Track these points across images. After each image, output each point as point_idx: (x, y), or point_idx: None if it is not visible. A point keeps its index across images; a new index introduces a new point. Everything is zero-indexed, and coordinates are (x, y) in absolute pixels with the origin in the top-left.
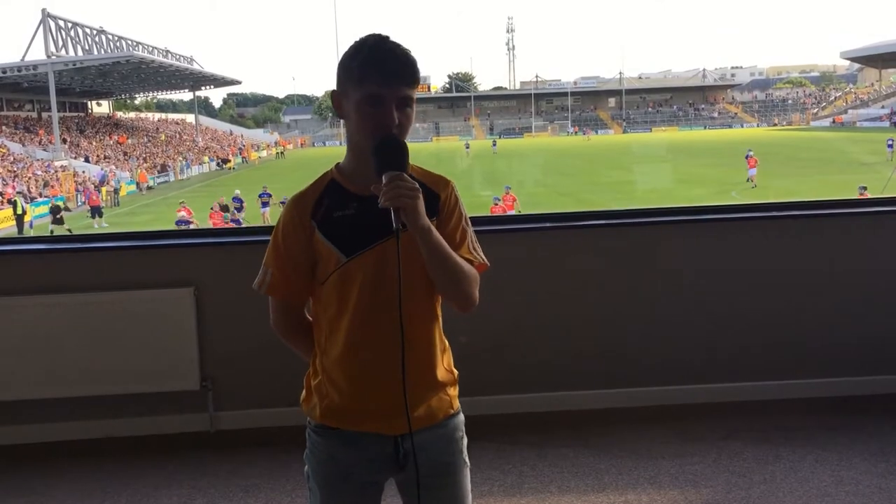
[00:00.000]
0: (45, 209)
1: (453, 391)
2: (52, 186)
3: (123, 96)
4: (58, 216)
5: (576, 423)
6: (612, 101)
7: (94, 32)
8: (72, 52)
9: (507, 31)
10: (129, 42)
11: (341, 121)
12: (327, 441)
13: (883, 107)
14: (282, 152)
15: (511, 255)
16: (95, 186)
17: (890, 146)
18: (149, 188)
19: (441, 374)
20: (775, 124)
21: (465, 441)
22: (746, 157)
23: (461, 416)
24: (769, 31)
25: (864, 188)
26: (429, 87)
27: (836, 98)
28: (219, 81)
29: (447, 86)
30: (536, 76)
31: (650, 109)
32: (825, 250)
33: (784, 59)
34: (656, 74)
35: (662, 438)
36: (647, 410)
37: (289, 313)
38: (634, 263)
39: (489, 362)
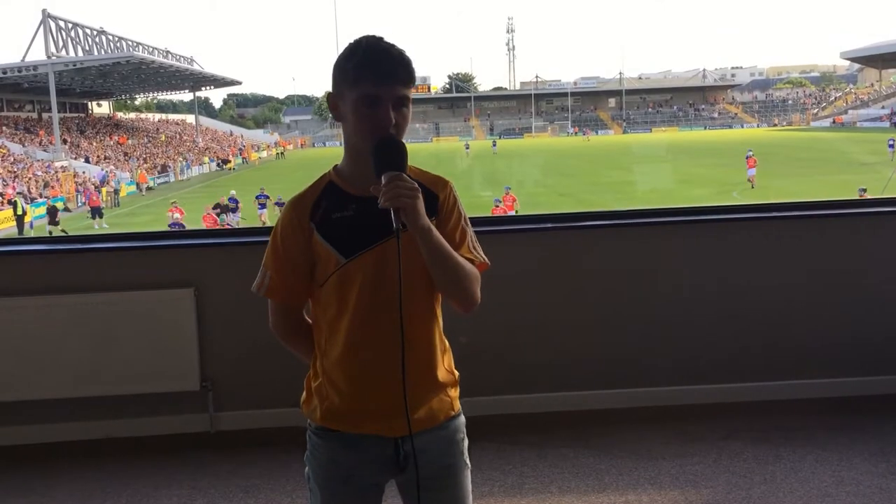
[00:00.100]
0: (44, 210)
1: (454, 392)
2: (53, 187)
3: (124, 97)
4: (55, 218)
5: (576, 423)
6: (612, 102)
7: (95, 33)
8: (72, 53)
9: (507, 32)
10: (130, 42)
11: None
12: (328, 443)
13: (883, 107)
14: (282, 153)
15: (511, 256)
16: (96, 187)
17: (891, 146)
18: (149, 189)
19: (442, 374)
20: (775, 125)
21: (466, 442)
22: (747, 157)
23: (462, 418)
24: (769, 32)
25: (864, 190)
26: (429, 88)
27: (836, 98)
28: (219, 82)
29: (447, 86)
30: (536, 76)
31: (650, 110)
32: (826, 251)
33: (784, 60)
34: (656, 75)
35: (663, 439)
36: (648, 411)
37: (288, 315)
38: (635, 264)
39: (489, 363)
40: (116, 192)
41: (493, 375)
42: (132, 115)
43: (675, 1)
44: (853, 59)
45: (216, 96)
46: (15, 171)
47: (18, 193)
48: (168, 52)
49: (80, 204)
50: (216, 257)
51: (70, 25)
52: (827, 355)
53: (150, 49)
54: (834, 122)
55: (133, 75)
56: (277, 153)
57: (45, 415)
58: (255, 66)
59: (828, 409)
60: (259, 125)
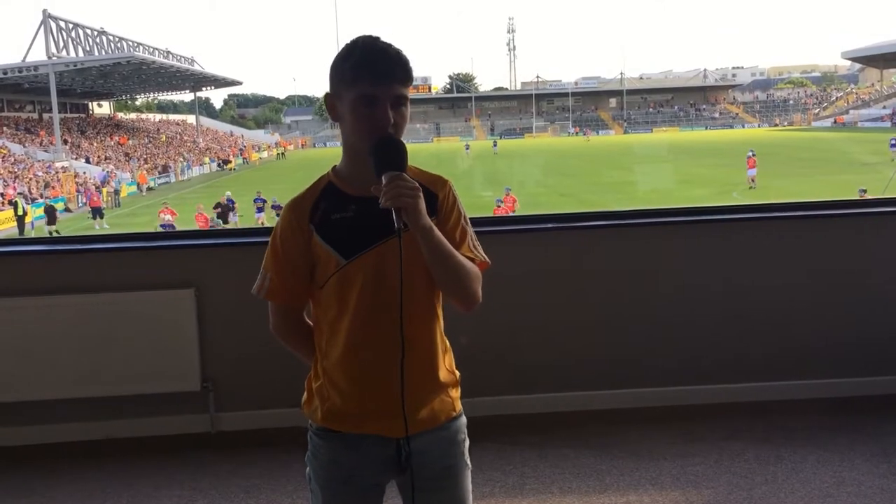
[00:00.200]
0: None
1: (455, 393)
2: (53, 187)
3: (124, 97)
4: (53, 218)
5: (577, 423)
6: (613, 102)
7: (95, 33)
8: (73, 53)
9: (508, 32)
10: (130, 43)
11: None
12: (329, 444)
13: (884, 107)
14: (282, 153)
15: (513, 256)
16: (97, 187)
17: (893, 146)
18: (149, 189)
19: (443, 374)
20: (776, 125)
21: (467, 443)
22: (747, 158)
23: (463, 419)
24: (770, 32)
25: (864, 190)
26: (429, 88)
27: (837, 98)
28: (220, 82)
29: (448, 86)
30: (537, 76)
31: (651, 110)
32: (828, 251)
33: (785, 60)
34: (657, 75)
35: (663, 439)
36: (648, 411)
37: (288, 317)
38: (636, 264)
39: (490, 363)
40: (117, 192)
41: (495, 376)
42: (133, 116)
43: (676, 1)
44: (854, 59)
45: (217, 97)
46: (16, 172)
47: (19, 194)
48: (169, 52)
49: (80, 204)
50: (217, 258)
51: (71, 26)
52: (829, 355)
53: (151, 49)
54: (835, 122)
55: (134, 76)
56: (278, 153)
57: (46, 415)
58: (256, 67)
59: (829, 409)
60: (260, 125)
